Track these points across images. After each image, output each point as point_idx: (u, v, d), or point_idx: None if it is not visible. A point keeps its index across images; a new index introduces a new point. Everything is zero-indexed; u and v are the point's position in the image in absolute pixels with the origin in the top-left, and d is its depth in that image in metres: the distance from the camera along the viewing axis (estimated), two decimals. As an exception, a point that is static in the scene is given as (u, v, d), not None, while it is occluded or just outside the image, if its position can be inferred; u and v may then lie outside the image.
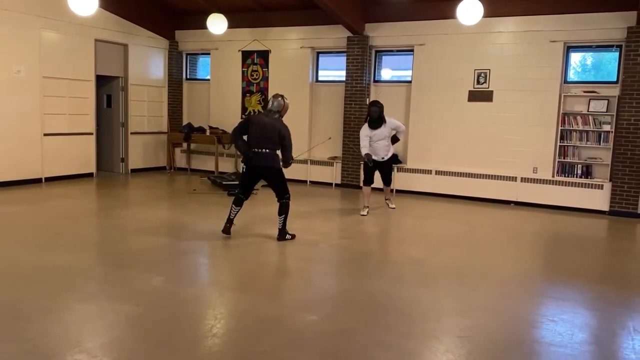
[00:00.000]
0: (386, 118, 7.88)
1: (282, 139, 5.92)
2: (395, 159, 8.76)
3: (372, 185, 8.09)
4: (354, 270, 5.40)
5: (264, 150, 5.89)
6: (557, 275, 5.44)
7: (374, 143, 7.83)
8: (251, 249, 5.96)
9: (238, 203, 6.17)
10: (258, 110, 5.84)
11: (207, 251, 5.94)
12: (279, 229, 6.13)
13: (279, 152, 6.04)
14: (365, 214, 7.97)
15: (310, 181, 10.77)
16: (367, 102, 10.18)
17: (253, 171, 6.05)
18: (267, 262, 5.57)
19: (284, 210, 6.08)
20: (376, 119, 7.77)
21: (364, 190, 8.18)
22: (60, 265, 5.06)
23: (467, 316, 4.16)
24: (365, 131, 7.83)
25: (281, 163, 6.11)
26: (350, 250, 6.09)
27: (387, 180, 8.32)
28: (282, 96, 6.06)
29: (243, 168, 6.22)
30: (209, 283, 4.99)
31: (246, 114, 11.25)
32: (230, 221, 6.17)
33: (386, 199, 8.58)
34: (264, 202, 8.71)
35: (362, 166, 8.35)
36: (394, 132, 8.05)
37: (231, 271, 5.31)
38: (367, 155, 7.72)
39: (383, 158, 7.96)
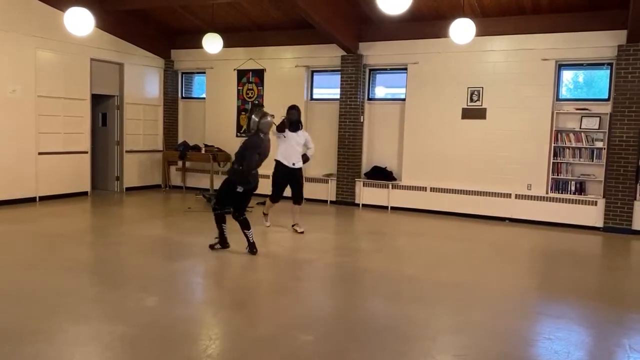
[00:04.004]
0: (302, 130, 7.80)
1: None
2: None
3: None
4: (350, 288, 5.38)
5: (257, 170, 6.17)
6: (553, 292, 5.43)
7: (287, 145, 7.52)
8: (246, 267, 5.94)
9: (224, 220, 6.36)
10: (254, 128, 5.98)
11: (201, 270, 5.91)
12: (253, 242, 6.28)
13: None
14: (297, 227, 7.76)
15: (305, 198, 10.76)
16: (361, 120, 10.27)
17: (250, 191, 6.20)
18: (262, 281, 5.55)
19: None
20: (295, 121, 7.59)
21: (269, 206, 7.98)
22: (53, 285, 5.03)
23: (462, 334, 4.15)
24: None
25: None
26: (345, 268, 6.07)
27: (298, 196, 7.72)
28: (273, 115, 6.22)
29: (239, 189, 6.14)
30: (203, 302, 4.96)
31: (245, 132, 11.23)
32: (225, 238, 6.41)
33: (293, 225, 7.82)
34: (258, 220, 8.70)
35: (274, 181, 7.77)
36: (305, 147, 7.76)
37: (225, 290, 5.28)
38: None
39: (294, 164, 7.55)
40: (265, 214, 8.09)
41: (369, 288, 5.39)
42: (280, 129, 7.49)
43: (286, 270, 5.85)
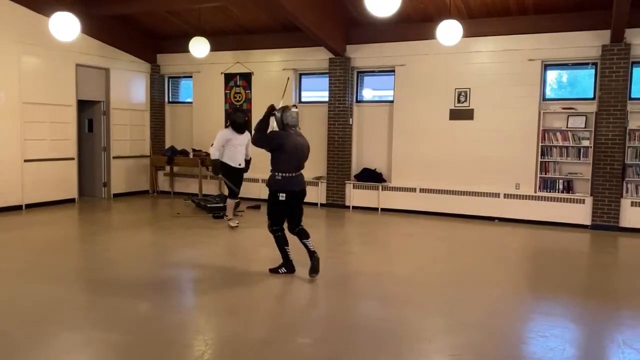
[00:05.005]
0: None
1: (309, 149, 5.63)
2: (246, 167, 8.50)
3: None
4: (343, 290, 5.37)
5: (300, 172, 5.50)
6: (545, 291, 5.47)
7: (235, 146, 8.12)
8: (237, 272, 5.89)
9: (287, 240, 5.59)
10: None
11: (193, 276, 5.87)
12: (313, 250, 5.52)
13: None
14: (236, 225, 8.24)
15: (295, 202, 10.73)
16: (350, 122, 10.29)
17: (294, 197, 5.45)
18: (254, 285, 5.49)
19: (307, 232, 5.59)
20: (242, 124, 8.22)
21: (230, 204, 8.37)
22: (44, 294, 4.95)
23: (457, 335, 4.16)
24: (225, 134, 8.10)
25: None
26: (338, 270, 6.04)
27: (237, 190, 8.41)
28: (295, 106, 5.65)
29: (282, 196, 5.42)
30: (197, 308, 4.91)
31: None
32: (290, 262, 5.65)
33: (234, 215, 8.51)
34: (256, 224, 8.65)
35: (225, 179, 8.35)
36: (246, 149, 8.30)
37: (218, 294, 5.21)
38: (216, 161, 8.07)
39: (240, 164, 8.23)
40: (227, 216, 8.47)
41: (362, 290, 5.38)
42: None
43: (278, 274, 5.80)
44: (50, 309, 4.54)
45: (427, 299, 5.08)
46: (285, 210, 5.50)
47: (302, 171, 5.56)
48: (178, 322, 4.36)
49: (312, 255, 5.51)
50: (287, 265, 5.64)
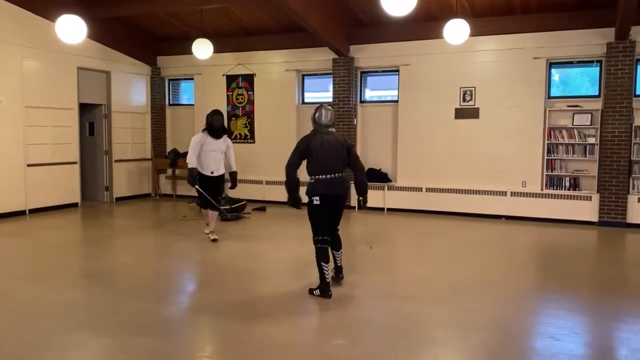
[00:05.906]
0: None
1: (349, 149, 5.16)
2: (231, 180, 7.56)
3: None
4: (367, 291, 5.32)
5: (336, 174, 5.05)
6: (563, 288, 5.46)
7: (206, 152, 7.21)
8: (257, 274, 5.85)
9: (327, 257, 5.07)
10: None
11: (212, 279, 5.80)
12: (340, 266, 5.40)
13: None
14: (211, 235, 7.46)
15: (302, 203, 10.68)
16: (355, 123, 10.27)
17: (331, 203, 5.07)
18: (278, 287, 5.45)
19: (341, 244, 5.39)
20: (219, 128, 7.28)
21: (204, 213, 7.60)
22: (62, 299, 4.88)
23: (490, 332, 4.15)
24: (198, 139, 7.21)
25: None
26: (357, 272, 6.01)
27: (215, 202, 7.41)
28: (330, 104, 5.20)
29: (316, 202, 5.06)
30: (223, 311, 4.79)
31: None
32: (327, 284, 5.04)
33: (208, 225, 7.60)
34: (265, 226, 8.59)
35: (198, 191, 7.36)
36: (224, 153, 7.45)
37: (244, 297, 5.15)
38: (192, 170, 7.08)
39: (212, 173, 7.31)
40: (207, 224, 7.63)
41: (385, 290, 5.34)
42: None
43: (300, 276, 5.77)
44: (73, 314, 4.47)
45: (452, 297, 5.06)
46: (322, 216, 5.10)
47: (340, 174, 5.10)
48: (209, 325, 4.32)
49: (338, 270, 5.37)
50: (322, 285, 5.00)
